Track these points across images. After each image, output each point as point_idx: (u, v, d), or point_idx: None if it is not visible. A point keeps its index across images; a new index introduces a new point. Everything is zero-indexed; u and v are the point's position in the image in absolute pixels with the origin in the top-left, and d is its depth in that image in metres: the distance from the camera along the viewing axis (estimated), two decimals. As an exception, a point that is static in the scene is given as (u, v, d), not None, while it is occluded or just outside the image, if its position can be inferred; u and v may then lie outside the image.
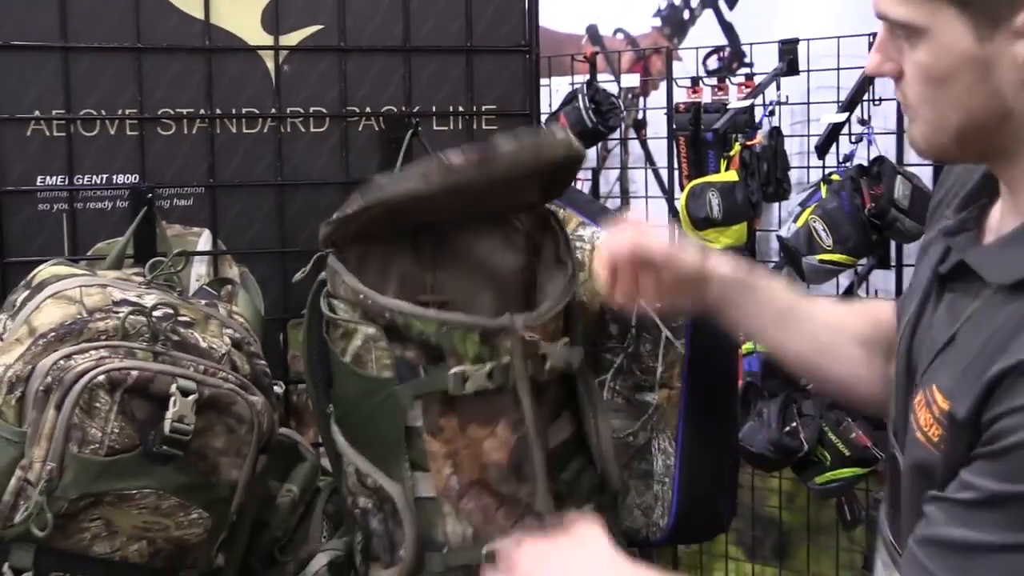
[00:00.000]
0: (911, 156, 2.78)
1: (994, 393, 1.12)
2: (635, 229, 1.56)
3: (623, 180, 3.34)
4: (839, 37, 2.76)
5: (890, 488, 1.37)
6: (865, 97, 2.73)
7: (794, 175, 2.89)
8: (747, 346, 2.80)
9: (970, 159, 1.31)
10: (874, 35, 2.56)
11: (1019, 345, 1.12)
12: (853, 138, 2.77)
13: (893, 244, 2.78)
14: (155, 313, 1.49)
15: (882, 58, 1.26)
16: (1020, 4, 1.16)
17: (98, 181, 1.81)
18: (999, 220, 1.30)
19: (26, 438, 1.42)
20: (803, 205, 2.73)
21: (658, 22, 3.35)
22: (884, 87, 2.71)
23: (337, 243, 1.56)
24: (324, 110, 1.91)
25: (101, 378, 1.42)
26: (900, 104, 1.29)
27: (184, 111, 1.84)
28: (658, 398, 1.81)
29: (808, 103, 2.91)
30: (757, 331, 1.64)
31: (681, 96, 3.08)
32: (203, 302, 1.63)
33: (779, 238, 2.78)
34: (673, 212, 3.07)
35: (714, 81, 3.08)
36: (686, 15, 3.29)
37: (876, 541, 1.44)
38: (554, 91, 3.14)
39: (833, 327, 1.60)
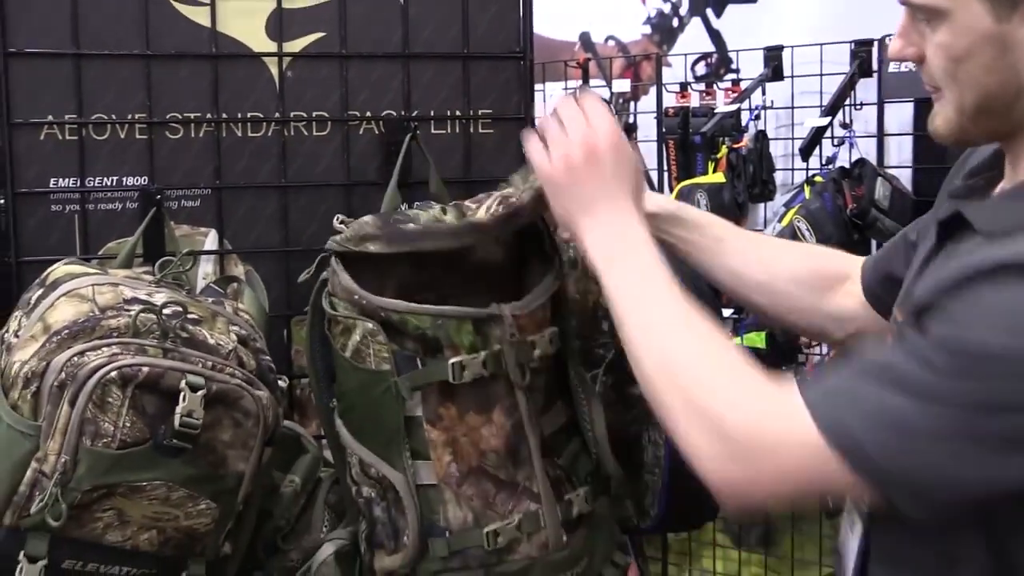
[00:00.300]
0: (891, 158, 2.79)
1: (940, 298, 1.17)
2: None
3: (614, 182, 3.34)
4: (821, 44, 2.77)
5: None
6: (847, 102, 2.74)
7: (779, 177, 2.89)
8: (734, 340, 2.80)
9: (983, 139, 1.33)
10: (854, 42, 2.59)
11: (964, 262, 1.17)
12: (835, 141, 2.78)
13: (874, 243, 2.78)
14: (165, 311, 1.49)
15: (904, 43, 1.29)
16: None
17: (109, 183, 1.81)
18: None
19: (41, 432, 1.43)
20: (787, 205, 2.73)
21: (648, 30, 3.35)
22: (865, 92, 2.72)
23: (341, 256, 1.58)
24: (326, 114, 1.91)
25: (113, 374, 1.42)
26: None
27: (191, 115, 1.84)
28: (648, 392, 1.82)
29: (792, 108, 2.92)
30: (693, 261, 1.67)
31: (670, 101, 3.09)
32: (210, 300, 1.63)
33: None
34: (662, 212, 3.08)
35: (702, 86, 3.08)
36: (675, 23, 3.30)
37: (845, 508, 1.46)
38: (548, 96, 3.14)
39: (766, 265, 1.66)
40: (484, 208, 1.55)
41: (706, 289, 1.87)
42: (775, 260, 1.68)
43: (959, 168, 1.48)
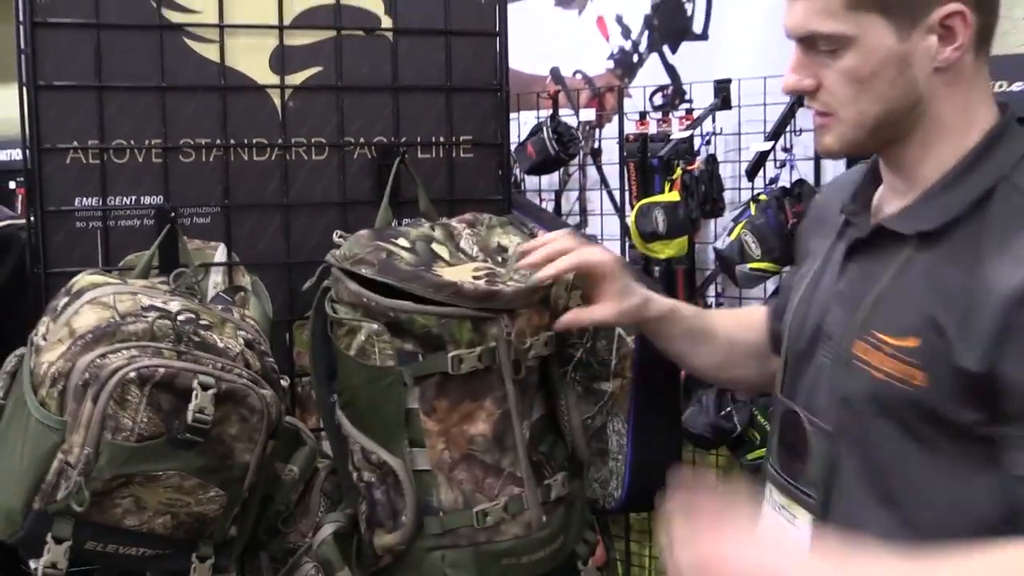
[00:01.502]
0: (827, 177, 2.79)
1: (998, 333, 1.12)
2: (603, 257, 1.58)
3: (582, 200, 3.33)
4: (765, 77, 2.77)
5: (787, 437, 1.37)
6: (788, 129, 2.74)
7: (728, 195, 2.89)
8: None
9: (876, 147, 1.31)
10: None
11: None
12: (777, 164, 2.78)
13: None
14: (179, 317, 1.48)
15: (800, 76, 1.27)
16: (936, 4, 1.19)
17: (128, 202, 1.79)
18: (880, 201, 1.34)
19: (66, 426, 1.42)
20: (735, 221, 2.73)
21: (611, 64, 3.35)
22: (804, 120, 2.72)
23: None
24: (324, 140, 1.89)
25: (132, 374, 1.41)
26: (813, 115, 1.30)
27: (202, 141, 1.82)
28: (612, 386, 1.81)
29: (739, 134, 2.92)
30: (672, 352, 1.65)
31: (631, 128, 3.08)
32: (220, 307, 1.62)
33: (715, 249, 2.78)
34: (624, 227, 3.07)
35: (659, 115, 3.08)
36: (635, 58, 3.29)
37: (764, 489, 1.43)
38: (522, 124, 3.13)
39: (730, 341, 1.64)
40: (471, 270, 1.56)
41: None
42: (736, 342, 1.65)
43: (810, 224, 1.50)
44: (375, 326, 1.52)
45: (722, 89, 2.86)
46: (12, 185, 4.28)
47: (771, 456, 1.43)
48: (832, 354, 1.30)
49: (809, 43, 1.25)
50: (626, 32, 3.29)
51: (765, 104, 2.82)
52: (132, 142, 1.79)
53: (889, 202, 1.33)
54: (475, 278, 1.54)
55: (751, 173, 2.78)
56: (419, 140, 1.95)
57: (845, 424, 1.27)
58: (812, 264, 1.43)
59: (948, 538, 1.11)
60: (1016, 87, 1.92)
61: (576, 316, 1.58)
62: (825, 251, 1.41)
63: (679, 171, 2.87)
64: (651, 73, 3.24)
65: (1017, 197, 1.20)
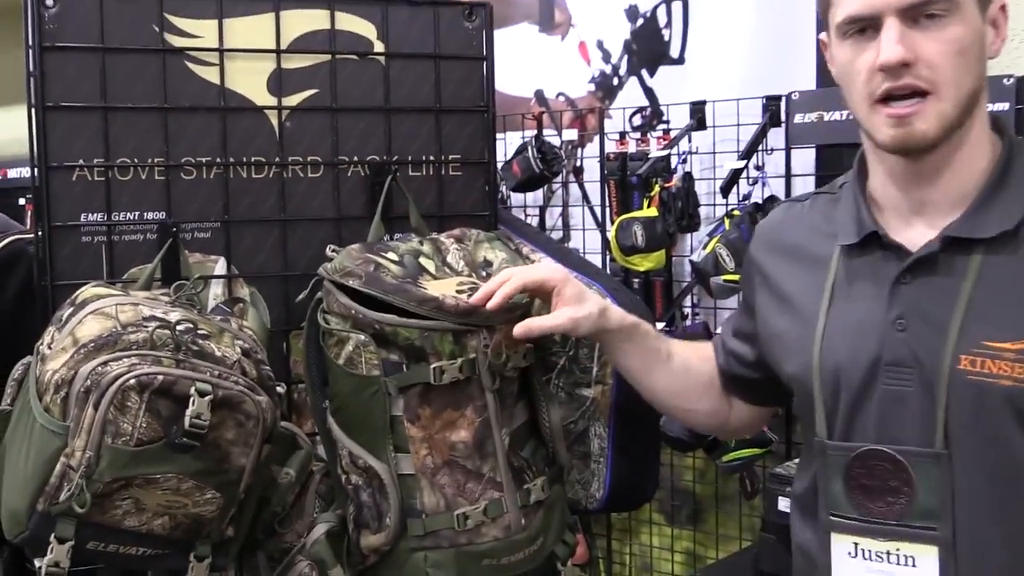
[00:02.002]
0: (797, 194, 2.78)
1: None
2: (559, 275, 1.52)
3: (565, 216, 3.33)
4: (738, 100, 2.77)
5: (865, 479, 1.24)
6: (760, 148, 2.74)
7: (703, 211, 2.88)
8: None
9: (942, 142, 1.22)
10: (766, 97, 2.56)
11: None
12: (750, 181, 2.77)
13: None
14: (178, 327, 1.47)
15: (906, 48, 1.17)
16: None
17: (131, 217, 1.78)
18: (894, 223, 1.27)
19: (69, 431, 1.40)
20: (710, 235, 2.72)
21: (592, 87, 3.34)
22: (775, 139, 2.72)
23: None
24: (319, 159, 1.88)
25: (132, 382, 1.40)
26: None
27: (203, 160, 1.81)
28: (594, 392, 1.80)
29: (714, 153, 2.92)
30: (630, 369, 1.58)
31: (611, 147, 3.08)
32: (219, 318, 1.61)
33: (691, 262, 2.78)
34: (605, 241, 3.06)
35: (638, 135, 3.08)
36: (615, 81, 3.29)
37: (820, 540, 1.29)
38: (508, 143, 3.13)
39: (687, 367, 1.57)
40: (455, 284, 1.55)
41: (645, 309, 1.85)
42: (692, 369, 1.58)
43: (783, 247, 1.41)
44: (362, 337, 1.52)
45: (697, 111, 2.86)
46: (21, 201, 4.27)
47: (837, 507, 1.27)
48: (916, 379, 1.20)
49: (914, 13, 1.17)
50: (606, 57, 3.29)
51: (738, 125, 2.82)
52: (136, 160, 1.77)
53: (908, 222, 1.26)
54: (458, 292, 1.53)
55: (725, 190, 2.77)
56: (410, 159, 1.94)
57: (961, 443, 1.18)
58: (809, 302, 1.33)
59: None
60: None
61: (528, 325, 1.49)
62: (827, 286, 1.31)
63: (657, 188, 2.87)
64: (630, 95, 3.24)
65: None
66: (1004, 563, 1.18)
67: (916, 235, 1.25)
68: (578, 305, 1.49)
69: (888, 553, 1.22)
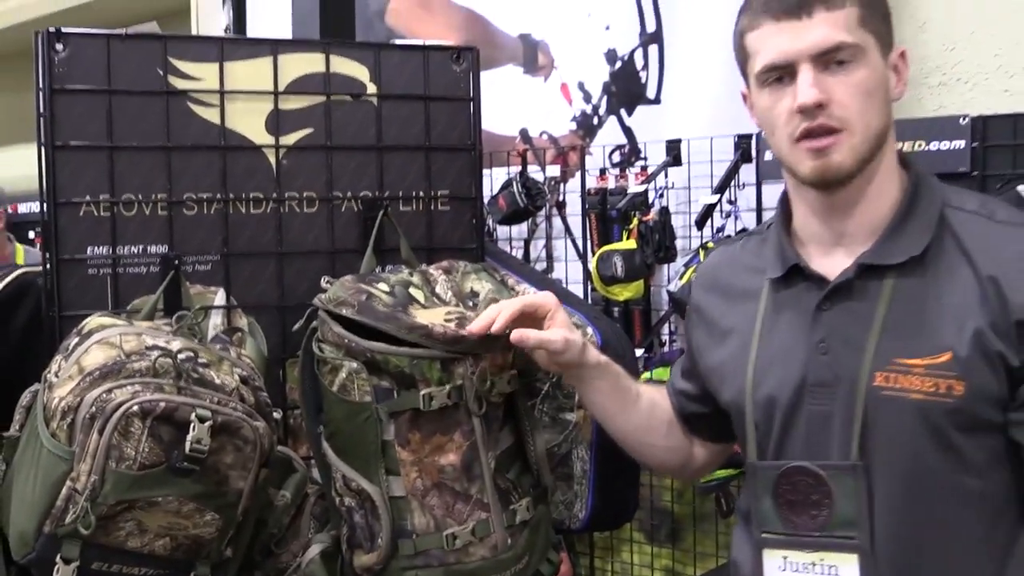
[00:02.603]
0: (768, 228, 2.80)
1: None
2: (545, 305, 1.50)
3: (548, 248, 3.33)
4: (712, 137, 2.78)
5: (790, 495, 1.27)
6: (732, 183, 2.75)
7: (679, 243, 2.88)
8: (644, 375, 2.79)
9: (859, 171, 1.26)
10: (738, 136, 2.58)
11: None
12: (723, 215, 2.78)
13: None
14: (179, 356, 1.47)
15: (820, 90, 1.22)
16: (893, 44, 1.27)
17: (135, 251, 1.77)
18: (814, 256, 1.32)
19: (75, 456, 1.40)
20: (686, 266, 2.72)
21: (574, 126, 3.36)
22: (747, 175, 2.74)
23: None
24: (314, 194, 1.89)
25: (135, 408, 1.39)
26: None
27: (204, 196, 1.81)
28: (576, 417, 1.80)
29: (689, 188, 2.92)
30: (600, 407, 1.56)
31: (592, 183, 3.09)
32: (218, 346, 1.61)
33: (668, 292, 2.78)
34: (586, 272, 3.07)
35: (617, 171, 3.08)
36: (595, 121, 3.31)
37: (753, 557, 1.30)
38: (494, 179, 3.13)
39: (652, 404, 1.56)
40: (443, 313, 1.55)
41: (624, 337, 1.86)
42: (656, 405, 1.58)
43: (719, 288, 1.44)
44: (355, 364, 1.52)
45: (673, 148, 2.87)
46: (31, 235, 4.27)
47: (766, 524, 1.29)
48: (830, 400, 1.24)
49: (825, 59, 1.23)
50: (587, 97, 3.31)
51: (712, 161, 2.83)
52: (140, 196, 1.77)
53: (828, 253, 1.31)
54: (446, 321, 1.53)
55: (700, 223, 2.78)
56: (401, 194, 1.94)
57: (877, 454, 1.22)
58: (742, 334, 1.36)
59: (974, 527, 1.16)
60: (932, 146, 1.94)
61: (524, 333, 1.46)
62: (758, 317, 1.35)
63: (635, 221, 2.87)
64: (609, 134, 3.25)
65: (965, 216, 1.24)
66: (921, 565, 1.21)
67: (835, 265, 1.30)
68: (571, 330, 1.50)
69: (813, 564, 1.24)
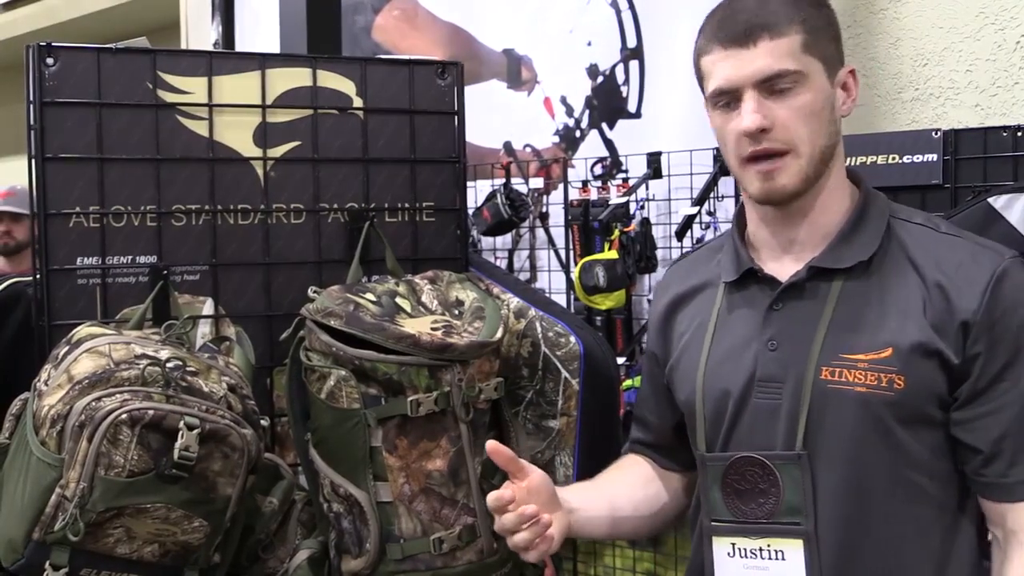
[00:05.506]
0: (746, 239, 2.81)
1: (971, 327, 1.20)
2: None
3: (532, 258, 3.33)
4: (691, 150, 2.79)
5: (739, 484, 1.30)
6: (712, 195, 2.76)
7: (660, 253, 2.89)
8: (627, 383, 2.79)
9: (811, 187, 1.30)
10: (716, 149, 2.58)
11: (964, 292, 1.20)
12: (703, 225, 2.79)
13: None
14: (168, 364, 1.47)
15: (762, 115, 1.26)
16: (840, 62, 1.29)
17: (124, 261, 1.76)
18: (767, 261, 1.34)
19: (64, 463, 1.39)
20: (667, 276, 2.74)
21: (557, 139, 3.36)
22: (726, 187, 2.74)
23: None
24: (301, 206, 1.88)
25: (124, 416, 1.39)
26: (768, 156, 1.28)
27: (192, 207, 1.81)
28: (559, 424, 1.80)
29: (669, 199, 2.93)
30: (601, 532, 1.54)
31: (574, 195, 3.09)
32: (206, 355, 1.60)
33: (650, 301, 2.79)
34: (569, 282, 3.07)
35: (599, 183, 3.09)
36: (577, 134, 3.31)
37: (704, 545, 1.32)
38: (478, 191, 3.13)
39: (633, 504, 1.52)
40: (430, 322, 1.55)
41: (607, 345, 1.86)
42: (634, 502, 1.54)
43: (678, 296, 1.44)
44: (343, 372, 1.52)
45: (654, 161, 2.88)
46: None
47: (715, 512, 1.32)
48: (778, 393, 1.28)
49: (768, 85, 1.26)
50: (569, 111, 3.32)
51: (691, 174, 2.83)
52: (129, 208, 1.77)
53: (779, 258, 1.35)
54: (433, 329, 1.53)
55: (680, 234, 2.79)
56: (386, 206, 1.94)
57: (820, 444, 1.25)
58: (698, 336, 1.39)
59: (916, 519, 1.20)
60: (905, 159, 1.95)
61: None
62: (711, 319, 1.37)
63: (617, 232, 2.87)
64: (591, 147, 3.25)
65: (911, 226, 1.29)
66: (863, 550, 1.24)
67: (786, 269, 1.34)
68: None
69: (761, 549, 1.28)
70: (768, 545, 1.28)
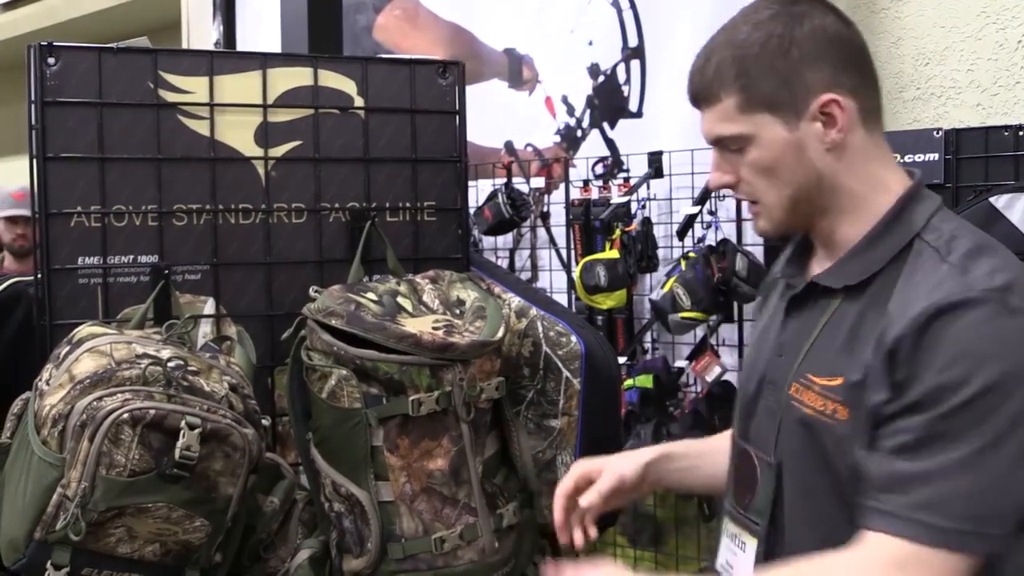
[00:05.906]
0: (748, 237, 2.81)
1: (896, 357, 1.14)
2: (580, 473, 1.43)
3: (533, 258, 3.33)
4: (692, 150, 2.79)
5: (740, 472, 1.35)
6: (713, 194, 2.76)
7: (661, 253, 2.90)
8: (627, 382, 2.79)
9: (802, 225, 1.32)
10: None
11: (896, 318, 1.15)
12: (704, 225, 2.79)
13: (736, 304, 2.80)
14: (169, 364, 1.47)
15: (720, 173, 1.29)
16: (811, 96, 1.23)
17: (126, 261, 1.76)
18: (814, 265, 1.35)
19: (65, 463, 1.39)
20: (668, 275, 2.73)
21: (558, 138, 3.37)
22: (727, 187, 2.74)
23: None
24: (303, 205, 1.88)
25: (125, 416, 1.39)
26: (743, 205, 1.31)
27: (194, 206, 1.81)
28: (560, 423, 1.80)
29: (671, 199, 2.94)
30: (686, 482, 1.53)
31: (576, 194, 3.09)
32: (207, 355, 1.60)
33: (651, 301, 2.79)
34: (570, 281, 3.07)
35: (600, 183, 3.09)
36: (579, 133, 3.32)
37: (719, 525, 1.40)
38: (480, 191, 3.13)
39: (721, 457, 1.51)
40: (431, 322, 1.55)
41: (608, 345, 1.86)
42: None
43: (774, 276, 1.46)
44: (344, 372, 1.51)
45: (655, 160, 2.88)
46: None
47: (727, 491, 1.39)
48: (773, 398, 1.30)
49: (721, 145, 1.28)
50: (570, 110, 3.32)
51: (692, 173, 2.84)
52: (130, 207, 1.77)
53: (821, 265, 1.34)
54: (434, 329, 1.53)
55: (681, 233, 2.79)
56: (387, 205, 1.94)
57: (784, 457, 1.27)
58: (763, 323, 1.43)
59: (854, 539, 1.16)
60: (907, 158, 1.95)
61: (589, 503, 1.40)
62: (764, 315, 1.43)
63: (618, 232, 2.88)
64: (593, 146, 3.26)
65: (927, 250, 1.22)
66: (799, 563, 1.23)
67: (816, 274, 1.33)
68: (614, 465, 1.44)
69: (735, 536, 1.34)
70: (739, 535, 1.33)
